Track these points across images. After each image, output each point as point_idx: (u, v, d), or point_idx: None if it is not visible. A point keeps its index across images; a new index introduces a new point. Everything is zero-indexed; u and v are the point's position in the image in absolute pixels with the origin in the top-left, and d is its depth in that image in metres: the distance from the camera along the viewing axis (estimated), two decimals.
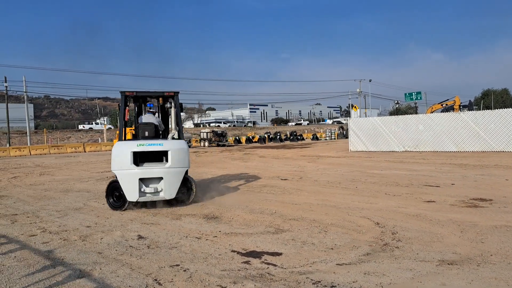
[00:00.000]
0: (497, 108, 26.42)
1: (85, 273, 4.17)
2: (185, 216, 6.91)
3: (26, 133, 44.94)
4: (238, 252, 4.72)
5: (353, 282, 3.68)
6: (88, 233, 5.95)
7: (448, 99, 34.51)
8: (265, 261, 4.36)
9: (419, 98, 60.59)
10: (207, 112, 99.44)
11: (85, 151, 38.81)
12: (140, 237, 5.61)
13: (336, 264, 4.19)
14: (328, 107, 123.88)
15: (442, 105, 34.25)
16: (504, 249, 4.48)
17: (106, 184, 8.85)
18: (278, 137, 47.47)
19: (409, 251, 4.56)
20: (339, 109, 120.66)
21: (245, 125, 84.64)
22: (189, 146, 40.43)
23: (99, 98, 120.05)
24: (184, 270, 4.17)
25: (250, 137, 48.08)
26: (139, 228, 6.12)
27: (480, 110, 48.42)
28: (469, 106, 33.90)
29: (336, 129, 53.74)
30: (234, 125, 77.64)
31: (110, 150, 39.50)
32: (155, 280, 3.92)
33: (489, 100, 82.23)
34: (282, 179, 11.63)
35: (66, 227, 6.41)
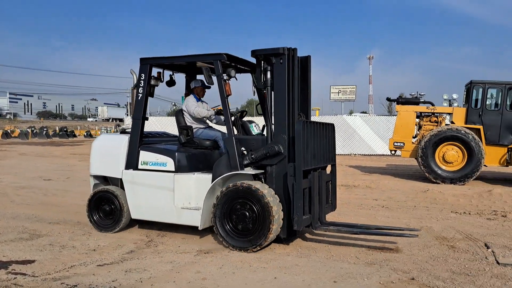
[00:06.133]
0: None
1: None
2: None
3: None
4: None
5: (113, 281, 3.63)
6: None
7: (219, 105, 37.95)
8: (13, 271, 3.85)
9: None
10: None
11: None
12: None
13: (97, 266, 4.05)
14: (105, 103, 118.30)
15: (214, 109, 37.42)
16: None
17: None
18: (45, 132, 42.48)
19: (172, 245, 4.80)
20: (117, 106, 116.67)
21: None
22: None
23: None
24: None
25: (9, 131, 41.45)
26: None
27: None
28: None
29: (113, 127, 51.86)
30: None
31: None
32: None
33: None
34: (45, 180, 10.48)
35: None
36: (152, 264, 4.09)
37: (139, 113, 5.29)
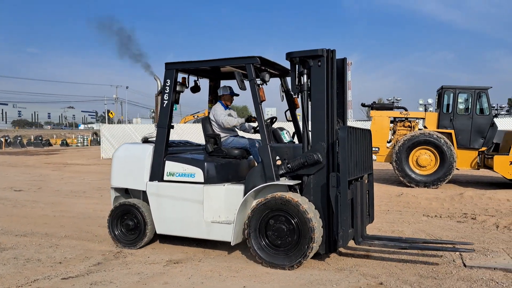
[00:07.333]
0: None
1: None
2: None
3: None
4: None
5: None
6: None
7: (199, 111, 37.70)
8: None
9: (175, 109, 63.82)
10: None
11: None
12: None
13: (61, 279, 3.93)
14: (82, 111, 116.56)
15: (194, 116, 37.15)
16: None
17: None
18: (19, 141, 41.44)
19: (141, 256, 4.70)
20: (94, 114, 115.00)
21: None
22: None
23: None
24: None
25: None
26: None
27: None
28: None
29: (90, 135, 50.98)
30: None
31: None
32: None
33: None
34: (16, 190, 10.19)
35: None
36: (119, 276, 3.99)
37: (165, 121, 4.93)
